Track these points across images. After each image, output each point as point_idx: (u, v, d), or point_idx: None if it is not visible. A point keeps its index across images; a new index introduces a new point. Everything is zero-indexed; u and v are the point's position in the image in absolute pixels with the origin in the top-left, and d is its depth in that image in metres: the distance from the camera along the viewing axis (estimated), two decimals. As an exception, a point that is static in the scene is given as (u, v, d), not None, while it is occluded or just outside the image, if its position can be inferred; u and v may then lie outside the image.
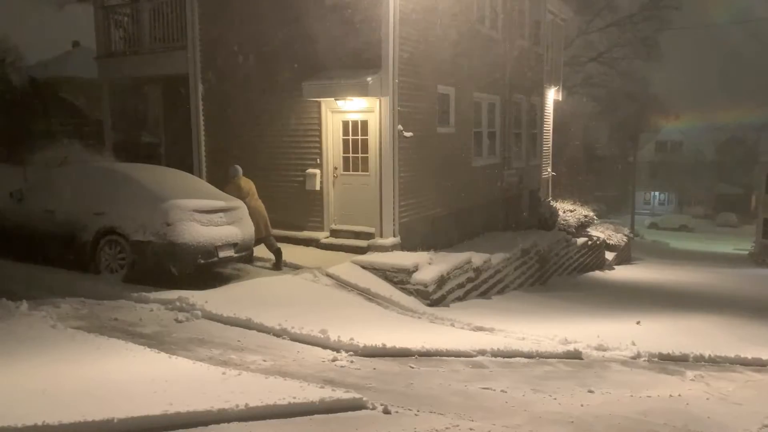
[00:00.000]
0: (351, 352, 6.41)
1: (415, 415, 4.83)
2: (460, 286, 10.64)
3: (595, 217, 20.23)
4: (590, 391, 5.84)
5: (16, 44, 26.22)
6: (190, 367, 5.39)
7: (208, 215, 8.62)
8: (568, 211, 18.72)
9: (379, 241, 10.84)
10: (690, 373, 6.77)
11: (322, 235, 11.43)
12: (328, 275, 9.49)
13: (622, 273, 19.30)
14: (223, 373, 5.21)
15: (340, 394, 4.90)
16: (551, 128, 21.51)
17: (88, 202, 8.80)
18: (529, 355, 6.99)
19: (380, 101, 10.69)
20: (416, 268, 9.90)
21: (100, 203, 8.72)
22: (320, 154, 11.43)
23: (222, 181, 11.70)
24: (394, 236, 10.89)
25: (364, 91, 10.47)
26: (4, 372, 4.86)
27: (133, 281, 8.27)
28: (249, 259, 9.68)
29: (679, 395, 5.91)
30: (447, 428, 4.57)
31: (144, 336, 6.37)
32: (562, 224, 17.59)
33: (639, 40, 34.26)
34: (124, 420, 4.04)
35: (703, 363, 7.29)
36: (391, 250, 10.66)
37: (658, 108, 44.61)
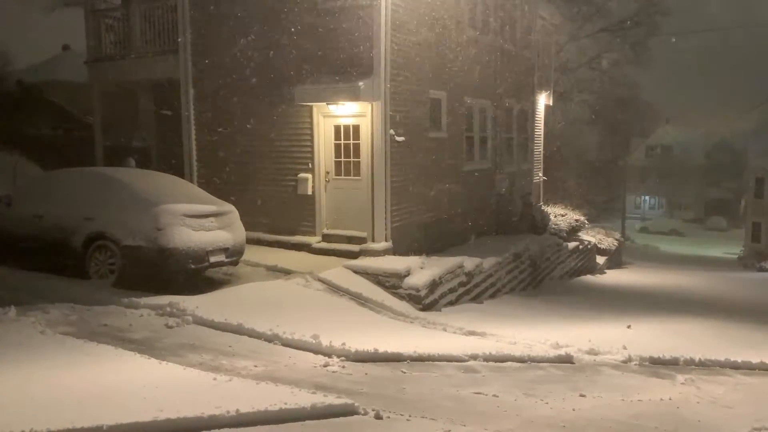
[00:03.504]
0: (343, 357, 6.39)
1: (407, 420, 4.81)
2: (452, 290, 10.64)
3: (586, 221, 20.29)
4: (582, 395, 5.85)
5: (5, 48, 26.06)
6: (180, 372, 5.35)
7: (199, 220, 8.58)
8: (560, 216, 18.78)
9: (371, 245, 10.83)
10: (681, 377, 6.80)
11: (314, 240, 11.40)
12: (320, 280, 9.47)
13: (613, 277, 19.37)
14: (214, 379, 5.18)
15: (332, 399, 4.88)
16: (542, 133, 21.60)
17: (77, 207, 8.74)
18: (521, 360, 6.99)
19: (372, 106, 10.69)
20: (408, 273, 9.90)
21: (89, 208, 8.66)
22: (312, 159, 11.42)
23: (214, 185, 11.70)
24: (386, 241, 10.89)
25: (356, 95, 10.48)
26: (-9, 379, 4.81)
27: (123, 286, 8.21)
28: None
29: (670, 399, 5.93)
30: (439, 433, 4.56)
31: (134, 342, 6.32)
32: (554, 228, 17.63)
33: (629, 46, 34.50)
34: (113, 427, 4.01)
35: (693, 366, 7.32)
36: (383, 255, 10.65)
37: (649, 112, 44.91)
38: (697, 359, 7.43)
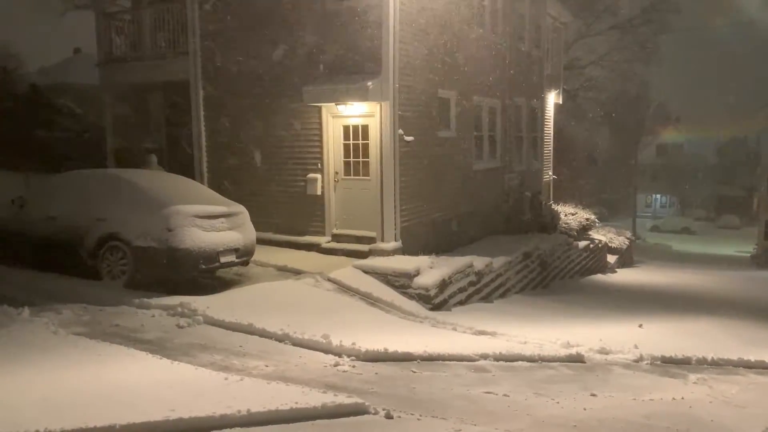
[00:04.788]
0: (353, 357, 6.40)
1: (418, 419, 4.81)
2: (462, 290, 10.62)
3: (596, 220, 20.19)
4: (593, 395, 5.82)
5: (18, 51, 26.31)
6: (192, 372, 5.38)
7: (209, 220, 8.62)
8: (570, 215, 18.70)
9: (380, 245, 10.83)
10: (693, 376, 6.75)
11: (324, 240, 11.42)
12: (330, 280, 9.49)
13: (624, 276, 19.27)
14: (225, 379, 5.20)
15: (343, 399, 4.89)
16: (552, 131, 21.52)
17: (89, 208, 8.81)
18: (531, 359, 6.97)
19: (381, 106, 10.70)
20: (418, 273, 9.90)
21: (101, 209, 8.72)
22: (321, 159, 11.44)
23: (224, 186, 11.76)
24: (395, 240, 10.89)
25: (364, 95, 10.48)
26: (6, 379, 4.86)
27: (134, 287, 8.27)
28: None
29: (682, 398, 5.89)
30: (449, 433, 4.56)
31: (146, 342, 6.36)
32: (564, 227, 17.56)
33: (639, 44, 34.28)
34: (126, 426, 4.04)
35: (706, 366, 7.26)
36: (393, 255, 10.65)
37: (659, 110, 44.61)
38: (709, 358, 7.38)
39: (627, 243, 23.23)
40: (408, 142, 11.05)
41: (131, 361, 5.54)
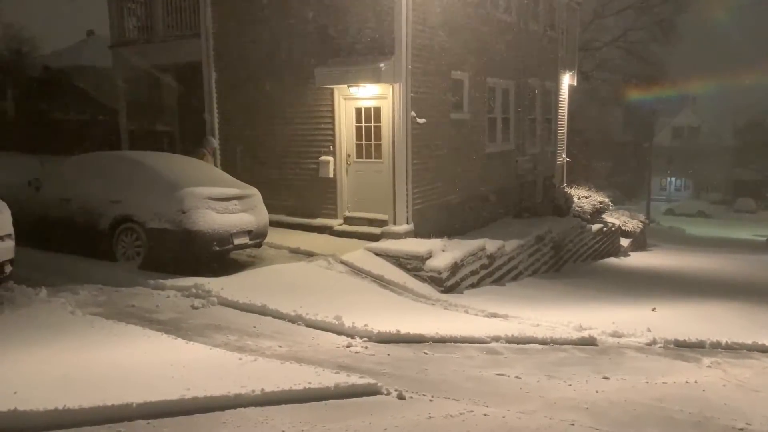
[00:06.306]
0: (365, 338, 6.44)
1: (430, 400, 4.85)
2: (474, 272, 10.63)
3: (610, 203, 20.02)
4: (605, 378, 5.82)
5: (32, 34, 26.42)
6: (206, 352, 5.45)
7: (223, 203, 8.66)
8: (583, 198, 18.55)
9: (392, 228, 10.84)
10: (706, 360, 6.72)
11: (336, 223, 11.45)
12: (342, 262, 9.52)
13: (637, 260, 19.15)
14: (240, 359, 5.26)
15: (355, 379, 4.93)
16: (566, 114, 21.29)
17: (104, 191, 8.88)
18: (543, 342, 6.97)
19: (393, 87, 10.63)
20: (430, 255, 9.90)
21: (116, 191, 8.79)
22: (333, 142, 11.42)
23: (236, 168, 11.78)
24: (407, 223, 10.88)
25: (377, 77, 10.41)
26: (25, 358, 4.95)
27: (149, 268, 8.35)
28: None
29: (696, 382, 5.87)
30: (461, 414, 4.58)
31: (161, 322, 6.44)
32: (577, 211, 17.44)
33: (656, 23, 33.65)
34: (142, 405, 4.11)
35: (719, 350, 7.22)
36: (405, 237, 10.65)
37: (676, 92, 43.85)
38: (723, 342, 7.33)
39: (641, 226, 23.04)
40: (420, 124, 10.99)
41: (147, 341, 5.62)
